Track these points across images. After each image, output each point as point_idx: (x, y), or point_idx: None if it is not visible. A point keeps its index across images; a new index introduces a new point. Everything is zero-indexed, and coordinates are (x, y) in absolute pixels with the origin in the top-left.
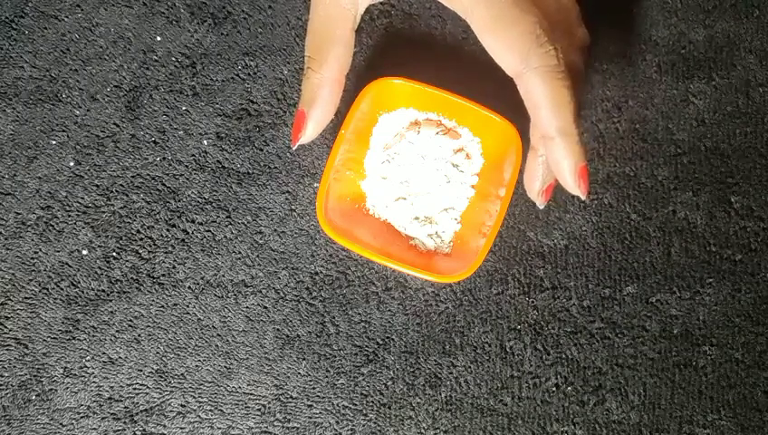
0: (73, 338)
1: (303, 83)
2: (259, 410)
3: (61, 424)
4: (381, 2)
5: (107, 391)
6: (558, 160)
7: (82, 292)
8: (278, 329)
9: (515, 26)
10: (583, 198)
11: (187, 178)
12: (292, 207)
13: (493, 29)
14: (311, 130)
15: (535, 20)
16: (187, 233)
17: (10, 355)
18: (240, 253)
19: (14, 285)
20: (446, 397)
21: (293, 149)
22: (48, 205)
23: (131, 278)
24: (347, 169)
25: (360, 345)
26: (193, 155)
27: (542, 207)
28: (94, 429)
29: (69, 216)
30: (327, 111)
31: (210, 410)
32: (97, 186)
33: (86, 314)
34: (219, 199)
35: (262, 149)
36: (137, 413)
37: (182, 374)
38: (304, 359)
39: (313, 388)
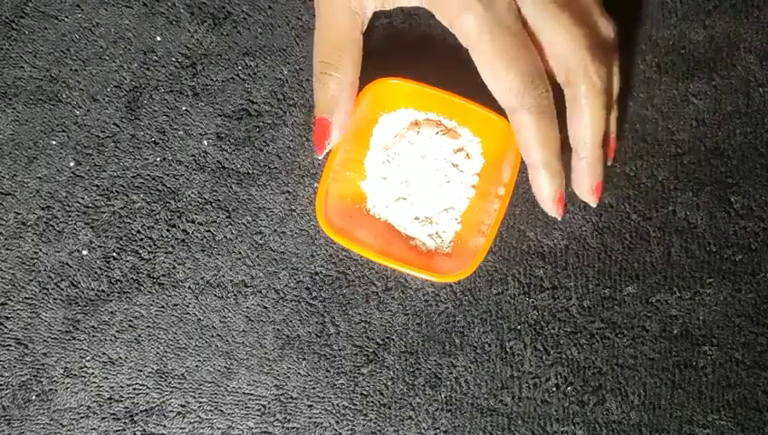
0: (73, 338)
1: (320, 90)
2: (259, 410)
3: (61, 424)
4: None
5: (107, 392)
6: (541, 187)
7: (82, 292)
8: (278, 329)
9: (515, 66)
10: (558, 219)
11: (187, 179)
12: (292, 207)
13: (494, 66)
14: (336, 136)
15: (532, 61)
16: (187, 233)
17: (10, 355)
18: (240, 253)
19: (14, 285)
20: (446, 397)
21: (321, 157)
22: (48, 205)
23: (131, 278)
24: (347, 170)
25: (360, 345)
26: (193, 155)
27: (594, 205)
28: (94, 429)
29: (69, 216)
30: (348, 113)
31: (210, 411)
32: (97, 186)
33: (86, 315)
34: (219, 200)
35: (262, 150)
36: (137, 413)
37: (182, 374)
38: (304, 359)
39: (313, 388)
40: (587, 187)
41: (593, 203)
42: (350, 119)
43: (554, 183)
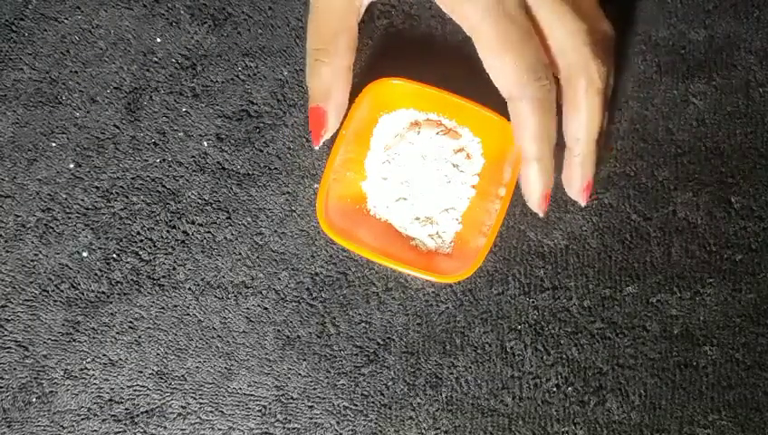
0: (74, 340)
1: (313, 77)
2: (260, 411)
3: (61, 426)
4: (383, 1)
5: (107, 393)
6: (531, 181)
7: (83, 294)
8: (278, 330)
9: (518, 54)
10: (541, 216)
11: (187, 180)
12: (293, 208)
13: (497, 53)
14: (333, 124)
15: (535, 51)
16: (188, 234)
17: (11, 358)
18: (240, 254)
19: (14, 287)
20: (446, 397)
21: (317, 148)
22: (48, 207)
23: (131, 280)
24: (347, 170)
25: (360, 346)
26: (193, 156)
27: (584, 204)
28: (95, 431)
29: (69, 218)
30: (344, 100)
31: (211, 412)
32: (97, 188)
33: (86, 316)
34: (219, 201)
35: (262, 151)
36: (137, 415)
37: (182, 376)
38: (305, 360)
39: (314, 389)
40: (578, 186)
41: (582, 202)
42: (346, 105)
43: (544, 180)
